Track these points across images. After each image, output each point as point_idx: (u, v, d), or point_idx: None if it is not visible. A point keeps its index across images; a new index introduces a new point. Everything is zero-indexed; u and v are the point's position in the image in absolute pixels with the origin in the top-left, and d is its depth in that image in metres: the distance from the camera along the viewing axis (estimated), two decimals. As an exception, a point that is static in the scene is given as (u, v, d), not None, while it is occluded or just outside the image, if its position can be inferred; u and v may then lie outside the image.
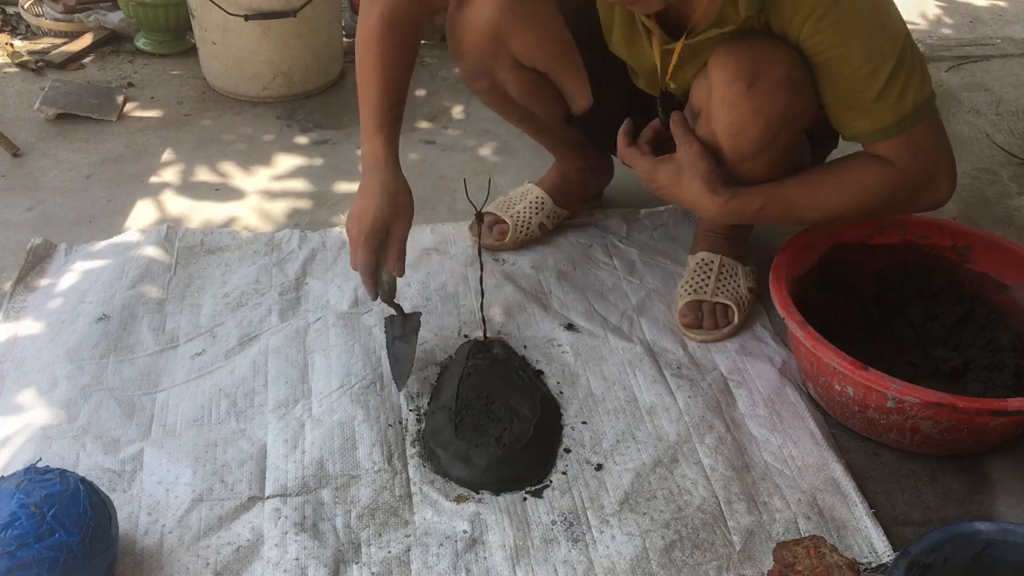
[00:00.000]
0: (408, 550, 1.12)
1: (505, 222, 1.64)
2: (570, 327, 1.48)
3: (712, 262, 1.52)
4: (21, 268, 1.55)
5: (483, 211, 1.45)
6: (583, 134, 1.62)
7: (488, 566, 1.11)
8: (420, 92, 2.23)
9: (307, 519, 1.15)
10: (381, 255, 1.32)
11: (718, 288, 1.49)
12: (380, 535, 1.14)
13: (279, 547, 1.11)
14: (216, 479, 1.19)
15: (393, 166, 1.32)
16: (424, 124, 2.11)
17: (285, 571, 1.09)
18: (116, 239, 1.63)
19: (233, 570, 1.09)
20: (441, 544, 1.13)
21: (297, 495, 1.18)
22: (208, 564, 1.09)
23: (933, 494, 1.25)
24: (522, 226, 1.64)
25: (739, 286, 1.51)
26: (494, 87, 1.41)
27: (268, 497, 1.18)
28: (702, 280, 1.51)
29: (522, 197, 1.68)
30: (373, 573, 1.10)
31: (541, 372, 1.39)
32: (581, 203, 1.74)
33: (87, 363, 1.36)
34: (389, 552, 1.12)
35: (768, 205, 1.29)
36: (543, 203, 1.67)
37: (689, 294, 1.50)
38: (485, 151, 1.99)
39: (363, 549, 1.12)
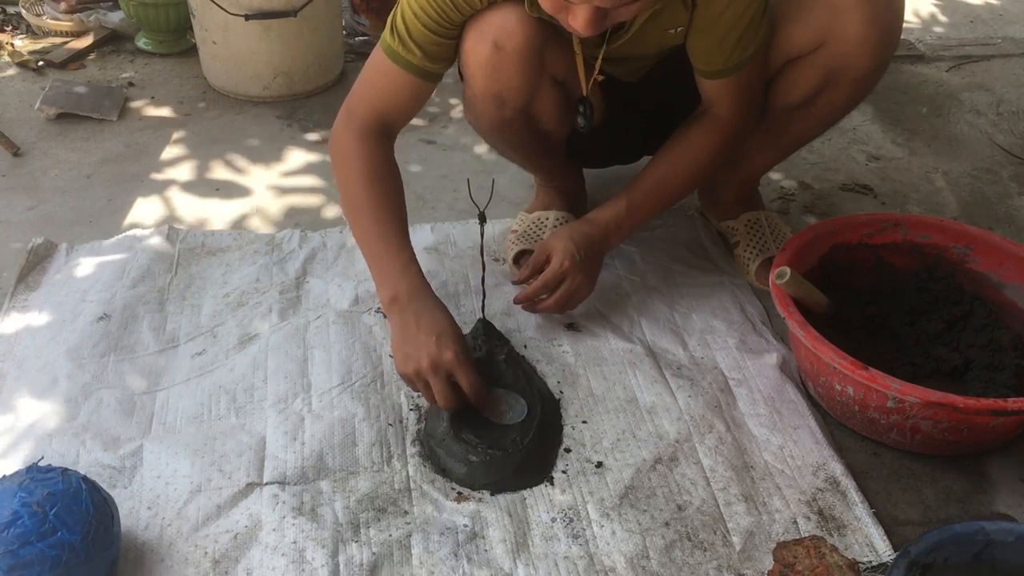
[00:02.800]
0: (409, 536, 1.13)
1: None
2: (571, 326, 1.48)
3: (759, 219, 1.66)
4: (22, 268, 1.55)
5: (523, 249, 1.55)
6: (571, 154, 1.62)
7: (489, 557, 1.11)
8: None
9: (305, 504, 1.15)
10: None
11: (775, 240, 1.63)
12: (379, 520, 1.14)
13: (277, 531, 1.12)
14: (214, 469, 1.20)
15: (433, 295, 1.32)
16: (424, 124, 2.11)
17: (283, 555, 1.09)
18: (117, 239, 1.63)
19: (232, 557, 1.09)
20: (442, 534, 1.13)
21: (296, 484, 1.18)
22: (207, 553, 1.10)
23: (933, 494, 1.25)
24: None
25: (787, 233, 1.64)
26: (514, 118, 1.40)
27: (266, 483, 1.18)
28: (761, 238, 1.64)
29: (540, 224, 1.63)
30: (374, 553, 1.10)
31: (535, 369, 1.39)
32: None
33: (87, 362, 1.36)
34: (390, 535, 1.12)
35: (632, 203, 1.43)
36: (568, 220, 1.62)
37: (759, 254, 1.62)
38: (485, 151, 1.98)
39: (362, 530, 1.12)
